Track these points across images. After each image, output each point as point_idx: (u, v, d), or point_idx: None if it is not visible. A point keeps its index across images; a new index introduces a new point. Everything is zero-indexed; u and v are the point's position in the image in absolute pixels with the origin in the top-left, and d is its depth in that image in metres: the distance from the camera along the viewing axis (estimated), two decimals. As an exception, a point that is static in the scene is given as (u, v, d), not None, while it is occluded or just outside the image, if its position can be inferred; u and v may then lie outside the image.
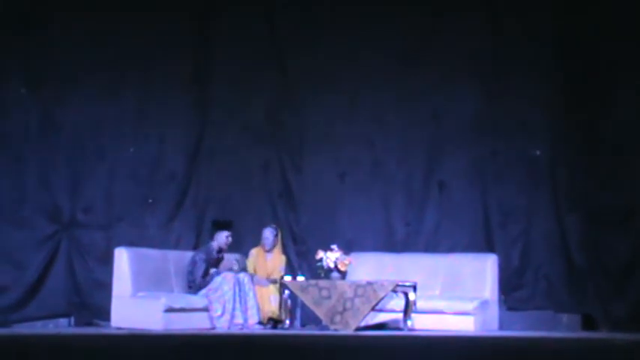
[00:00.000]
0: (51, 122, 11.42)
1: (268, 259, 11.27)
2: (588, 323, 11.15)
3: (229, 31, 11.89)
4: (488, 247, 11.43)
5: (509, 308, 11.25)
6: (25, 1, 11.35)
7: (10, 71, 11.34)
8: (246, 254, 11.30)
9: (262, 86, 11.98)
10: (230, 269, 10.79)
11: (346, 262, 10.63)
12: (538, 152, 11.50)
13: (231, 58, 11.87)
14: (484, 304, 10.71)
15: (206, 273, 10.77)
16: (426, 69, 11.70)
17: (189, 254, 11.09)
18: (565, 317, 11.23)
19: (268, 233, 11.28)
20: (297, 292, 10.55)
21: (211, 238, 11.02)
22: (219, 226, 10.99)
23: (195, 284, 10.77)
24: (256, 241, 11.36)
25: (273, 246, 11.29)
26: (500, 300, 11.03)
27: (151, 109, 11.76)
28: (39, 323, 11.15)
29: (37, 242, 11.30)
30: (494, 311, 10.86)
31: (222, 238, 10.93)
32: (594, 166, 11.31)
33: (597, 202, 11.26)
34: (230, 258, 11.00)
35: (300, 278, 10.78)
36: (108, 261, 10.92)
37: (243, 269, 11.03)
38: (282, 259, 11.35)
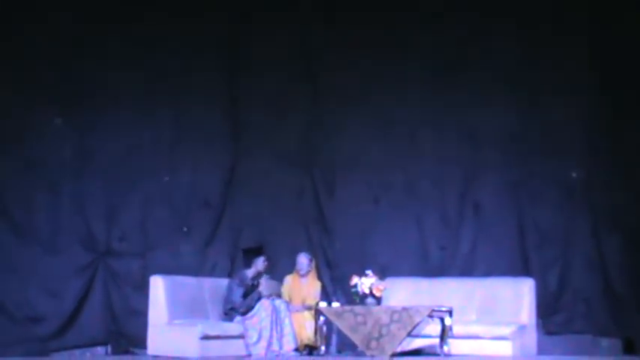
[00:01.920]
0: (86, 151, 11.51)
1: (303, 285, 11.24)
2: (629, 347, 10.98)
3: (263, 55, 11.91)
4: (525, 270, 11.30)
5: (548, 332, 11.11)
6: (59, 29, 11.44)
7: (44, 100, 11.44)
8: (280, 280, 11.28)
9: (296, 111, 11.99)
10: (269, 295, 10.77)
11: (381, 287, 10.55)
12: (574, 174, 11.39)
13: (265, 84, 11.89)
14: (522, 328, 10.58)
15: (245, 297, 10.74)
16: (460, 89, 11.65)
17: (224, 281, 11.09)
18: (605, 341, 11.07)
19: (303, 258, 11.26)
20: (333, 319, 10.49)
21: (246, 265, 11.01)
22: (254, 252, 10.99)
23: (234, 310, 10.73)
24: (290, 267, 11.33)
25: (308, 271, 11.26)
26: (538, 324, 10.90)
27: (185, 136, 11.80)
28: (77, 352, 11.19)
29: (74, 271, 11.35)
30: (532, 336, 10.72)
31: (260, 263, 10.93)
32: (632, 187, 11.18)
33: (636, 224, 11.12)
34: (271, 282, 10.97)
35: (336, 304, 10.72)
36: (144, 289, 10.94)
37: (279, 296, 11.01)
38: (318, 284, 11.30)
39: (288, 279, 11.26)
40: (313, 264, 11.33)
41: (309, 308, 10.94)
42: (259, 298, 10.72)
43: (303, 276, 11.25)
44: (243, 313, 10.67)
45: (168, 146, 11.75)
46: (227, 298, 10.86)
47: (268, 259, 11.00)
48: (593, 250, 11.28)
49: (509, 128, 11.58)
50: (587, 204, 11.38)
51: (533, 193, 11.52)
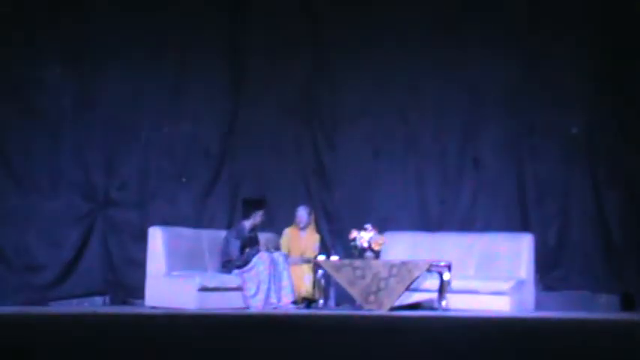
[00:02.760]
0: (86, 99, 11.41)
1: (302, 238, 11.23)
2: (627, 303, 11.00)
3: (265, 7, 11.80)
4: (524, 224, 11.29)
5: (546, 288, 11.13)
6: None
7: (45, 48, 11.32)
8: (279, 232, 11.27)
9: (297, 62, 11.90)
10: (267, 249, 10.78)
11: (380, 241, 10.56)
12: (574, 130, 11.33)
13: (267, 34, 11.79)
14: (520, 283, 10.60)
15: (242, 250, 10.75)
16: (462, 42, 11.54)
17: (222, 233, 11.07)
18: (603, 297, 11.08)
19: (302, 211, 11.23)
20: (332, 272, 10.50)
21: (244, 216, 10.98)
22: (254, 204, 10.95)
23: (231, 263, 10.75)
24: (289, 219, 11.31)
25: (307, 224, 11.24)
26: (536, 280, 10.92)
27: (186, 86, 11.72)
28: (75, 301, 11.20)
29: (73, 220, 11.33)
30: (530, 291, 10.74)
31: (258, 216, 10.90)
32: (633, 142, 11.12)
33: (636, 179, 11.09)
34: (268, 236, 10.97)
35: (334, 258, 10.73)
36: (142, 239, 10.92)
37: (277, 248, 11.01)
38: (316, 237, 11.29)
39: (287, 231, 11.25)
40: (312, 217, 11.31)
41: (307, 261, 10.94)
42: (257, 252, 10.72)
43: (302, 229, 11.23)
44: (240, 267, 10.67)
45: (168, 96, 11.67)
46: (224, 251, 10.85)
47: (266, 214, 10.97)
48: (593, 205, 11.25)
49: (510, 81, 11.50)
50: (588, 158, 11.33)
51: (534, 147, 11.47)
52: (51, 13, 11.28)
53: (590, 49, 11.30)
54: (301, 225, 11.20)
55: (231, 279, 10.66)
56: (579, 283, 11.16)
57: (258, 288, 10.58)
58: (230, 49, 11.84)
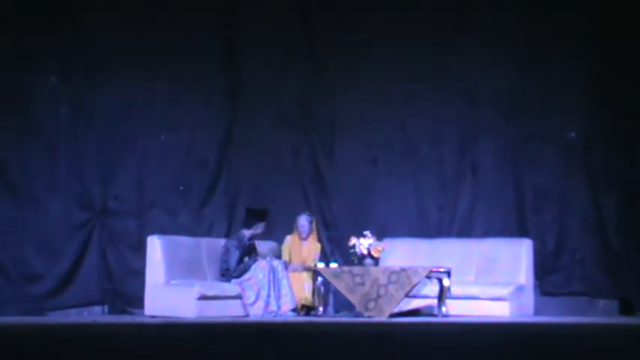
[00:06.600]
0: (82, 110, 11.44)
1: (304, 247, 11.20)
2: (625, 308, 11.02)
3: (262, 15, 11.82)
4: (522, 230, 11.32)
5: (545, 293, 11.14)
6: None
7: (41, 59, 11.35)
8: (277, 240, 11.25)
9: (294, 71, 11.91)
10: (264, 256, 10.78)
11: (379, 248, 10.56)
12: (573, 134, 11.36)
13: (264, 43, 11.80)
14: (519, 289, 10.60)
15: (241, 260, 10.74)
16: (460, 50, 11.58)
17: (221, 241, 11.06)
18: (602, 302, 11.12)
19: (304, 221, 11.18)
20: (331, 279, 10.50)
21: (245, 225, 10.96)
22: (257, 215, 10.91)
23: (229, 272, 10.74)
24: (288, 228, 11.29)
25: (309, 233, 11.22)
26: (535, 285, 10.92)
27: (182, 96, 11.72)
28: (73, 311, 11.20)
29: (71, 230, 11.33)
30: (529, 296, 10.75)
31: (259, 228, 10.88)
32: (630, 148, 11.15)
33: (634, 185, 11.10)
34: (270, 247, 10.97)
35: (334, 265, 10.73)
36: (141, 249, 10.92)
37: (277, 256, 11.00)
38: (318, 247, 11.26)
39: (289, 239, 11.21)
40: (314, 225, 11.28)
41: (307, 269, 10.92)
42: (255, 261, 10.71)
43: (304, 238, 11.20)
44: (237, 277, 10.65)
45: (165, 105, 11.67)
46: (223, 259, 10.83)
47: (267, 224, 10.95)
48: (590, 211, 11.28)
49: (509, 89, 11.54)
50: (585, 165, 11.36)
51: (532, 154, 11.50)
52: (47, 23, 11.29)
53: (588, 57, 11.33)
54: (304, 234, 11.16)
55: (231, 287, 10.64)
56: (578, 288, 11.20)
57: (257, 296, 10.57)
58: (227, 59, 11.85)
